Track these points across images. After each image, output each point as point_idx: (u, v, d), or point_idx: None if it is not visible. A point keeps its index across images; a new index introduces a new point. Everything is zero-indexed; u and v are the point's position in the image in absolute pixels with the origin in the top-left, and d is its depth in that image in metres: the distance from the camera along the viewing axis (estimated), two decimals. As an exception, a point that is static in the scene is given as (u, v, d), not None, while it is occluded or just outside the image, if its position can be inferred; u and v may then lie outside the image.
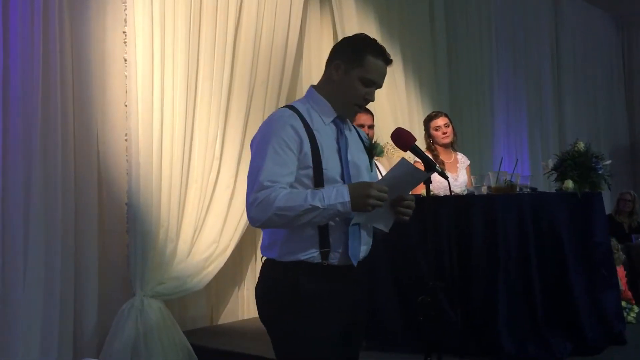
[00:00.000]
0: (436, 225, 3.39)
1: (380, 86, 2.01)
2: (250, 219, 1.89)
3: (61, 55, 3.30)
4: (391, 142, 2.08)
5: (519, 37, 7.10)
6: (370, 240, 2.04)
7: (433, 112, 4.53)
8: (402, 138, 2.01)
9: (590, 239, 3.63)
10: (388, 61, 2.00)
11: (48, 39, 3.26)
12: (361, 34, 2.08)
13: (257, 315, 2.06)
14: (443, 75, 5.83)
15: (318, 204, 1.80)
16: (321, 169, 1.90)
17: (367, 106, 4.44)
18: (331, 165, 1.92)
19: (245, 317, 4.44)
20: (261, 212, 1.84)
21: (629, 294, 4.40)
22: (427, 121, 4.36)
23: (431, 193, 2.03)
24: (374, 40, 2.01)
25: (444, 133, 4.25)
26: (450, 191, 2.29)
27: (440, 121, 4.27)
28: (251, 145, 1.99)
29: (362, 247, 1.97)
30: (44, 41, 3.24)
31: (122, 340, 3.30)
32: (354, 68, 1.95)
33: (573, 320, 3.37)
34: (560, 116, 7.71)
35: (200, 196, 3.84)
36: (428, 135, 4.32)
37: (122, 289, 3.53)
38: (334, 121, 2.00)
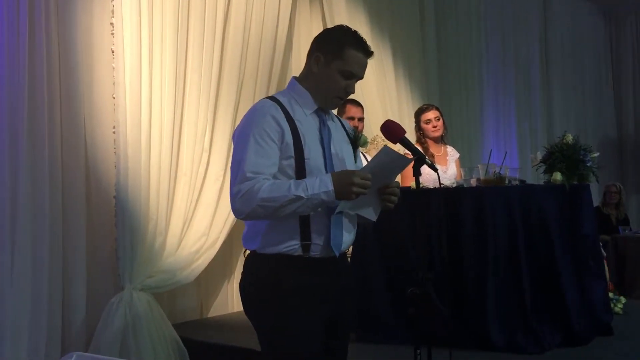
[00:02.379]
0: (426, 217, 3.40)
1: (361, 78, 2.01)
2: (234, 211, 1.89)
3: (47, 47, 3.26)
4: (381, 135, 2.08)
5: (508, 31, 7.11)
6: (354, 230, 2.04)
7: (424, 104, 4.52)
8: (391, 130, 2.01)
9: (578, 231, 3.66)
10: (368, 53, 1.99)
11: (34, 30, 3.21)
12: (342, 25, 2.07)
13: (245, 308, 2.06)
14: (432, 68, 5.83)
15: (302, 194, 1.80)
16: (303, 159, 1.90)
17: (357, 99, 4.48)
18: (314, 155, 1.92)
19: (235, 310, 4.43)
20: (245, 203, 1.83)
21: (611, 285, 4.45)
22: (418, 114, 4.36)
23: (421, 185, 2.03)
24: (355, 32, 2.00)
25: (435, 126, 4.25)
26: (440, 183, 2.29)
27: (431, 114, 4.27)
28: (233, 137, 1.99)
29: (346, 236, 1.97)
30: (29, 32, 3.20)
31: (110, 333, 3.29)
32: (333, 60, 1.95)
33: (561, 311, 3.40)
34: (549, 109, 7.75)
35: (189, 189, 3.82)
36: (418, 128, 4.32)
37: (110, 283, 3.51)
38: (315, 112, 2.00)
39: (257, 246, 1.94)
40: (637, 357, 3.11)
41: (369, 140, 4.31)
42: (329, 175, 1.84)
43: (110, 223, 3.49)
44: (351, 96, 4.11)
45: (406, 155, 2.05)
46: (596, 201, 6.01)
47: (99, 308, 3.42)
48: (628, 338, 3.54)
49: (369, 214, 1.98)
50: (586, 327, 3.44)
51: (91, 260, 3.47)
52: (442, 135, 4.32)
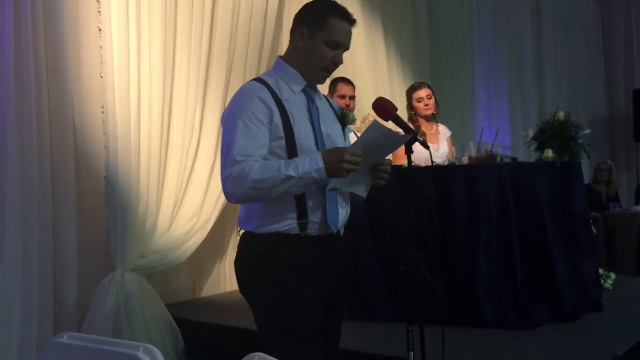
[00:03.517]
0: (418, 195, 3.39)
1: (347, 48, 1.99)
2: (226, 195, 1.88)
3: (33, 26, 3.19)
4: (373, 113, 2.06)
5: (499, 9, 7.07)
6: (348, 206, 2.04)
7: (416, 82, 4.49)
8: (383, 108, 2.00)
9: (569, 208, 3.67)
10: (351, 21, 1.98)
11: (19, 10, 3.15)
12: None
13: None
14: (424, 46, 5.79)
15: (292, 173, 1.79)
16: (293, 138, 1.88)
17: (349, 77, 4.43)
18: (304, 134, 1.91)
19: (228, 290, 4.44)
20: (236, 186, 1.82)
21: None
22: (410, 92, 4.33)
23: (413, 163, 2.02)
24: (335, 2, 1.98)
25: (426, 105, 4.23)
26: (432, 161, 2.28)
27: (423, 92, 4.24)
28: (221, 121, 1.97)
29: (341, 211, 1.97)
30: (14, 11, 3.13)
31: (103, 313, 3.28)
32: (318, 32, 1.93)
33: (552, 288, 3.42)
34: (540, 87, 7.75)
35: (180, 169, 3.79)
36: (410, 107, 4.30)
37: (102, 263, 3.49)
38: (304, 90, 1.98)
39: (253, 226, 1.94)
40: (626, 332, 3.14)
41: (357, 118, 4.29)
42: (319, 153, 1.83)
43: (100, 203, 3.46)
44: (343, 74, 4.13)
45: (397, 133, 2.03)
46: (587, 178, 6.04)
47: (90, 289, 3.41)
48: (618, 313, 3.58)
49: (359, 191, 1.98)
50: (577, 303, 3.47)
51: (82, 241, 3.45)
52: (433, 113, 4.30)
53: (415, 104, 4.25)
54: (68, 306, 3.35)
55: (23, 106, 3.16)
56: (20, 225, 3.14)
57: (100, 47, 3.41)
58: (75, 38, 3.41)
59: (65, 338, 1.49)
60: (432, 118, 4.33)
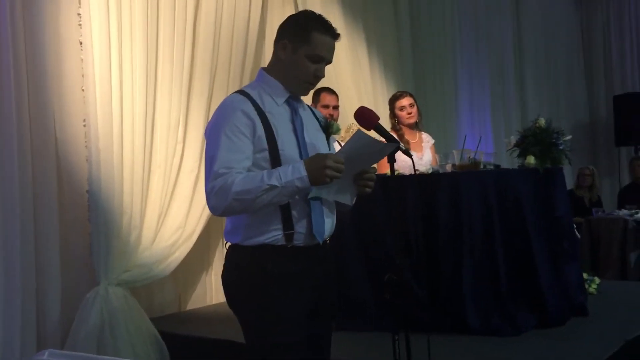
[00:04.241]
0: (402, 203, 3.40)
1: (330, 61, 1.99)
2: (210, 209, 1.87)
3: (13, 40, 3.16)
4: (356, 123, 2.07)
5: (481, 17, 7.14)
6: (334, 216, 2.03)
7: (398, 92, 4.53)
8: (365, 117, 2.01)
9: (552, 213, 3.70)
10: (335, 36, 1.98)
11: (-1, 22, 3.13)
12: (306, 10, 2.06)
13: (225, 300, 2.04)
14: (407, 55, 5.83)
15: (275, 183, 1.78)
16: (277, 150, 1.88)
17: (332, 87, 4.44)
18: (287, 145, 1.91)
19: (214, 303, 4.41)
20: (220, 199, 1.81)
21: None
22: (392, 101, 4.36)
23: (397, 172, 2.03)
24: (319, 16, 1.99)
25: (409, 113, 4.27)
26: (415, 170, 2.29)
27: (405, 101, 4.28)
28: (205, 134, 1.97)
29: (327, 221, 1.97)
30: (-6, 24, 3.11)
31: (87, 329, 3.24)
32: (301, 46, 1.93)
33: (536, 293, 3.44)
34: (522, 94, 7.82)
35: (163, 181, 3.77)
36: (393, 115, 4.33)
37: (85, 278, 3.45)
38: (287, 101, 1.98)
39: (239, 239, 1.93)
40: (611, 336, 3.16)
41: (342, 128, 4.31)
42: (302, 161, 1.83)
43: (83, 218, 3.43)
44: (326, 84, 4.15)
45: (382, 142, 2.04)
46: (569, 184, 6.09)
47: (74, 304, 3.37)
48: (602, 318, 3.60)
49: (345, 199, 1.98)
50: (561, 308, 3.49)
51: (65, 256, 3.41)
52: (416, 122, 4.34)
53: (398, 112, 4.28)
54: (51, 322, 3.31)
55: (4, 119, 3.13)
56: (2, 240, 3.09)
57: (82, 60, 3.39)
58: (56, 51, 3.39)
59: (46, 355, 1.46)
60: (415, 126, 4.36)
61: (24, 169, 3.21)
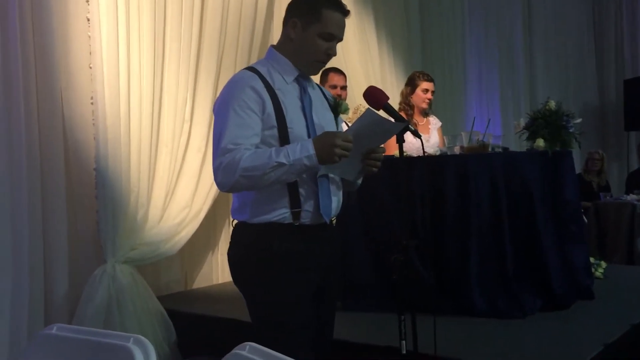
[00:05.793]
0: (409, 185, 3.39)
1: (341, 39, 1.97)
2: (217, 184, 1.87)
3: (20, 17, 3.15)
4: (364, 103, 2.06)
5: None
6: (341, 194, 2.03)
7: (426, 73, 4.37)
8: (374, 96, 1.99)
9: (560, 196, 3.68)
10: (345, 12, 1.96)
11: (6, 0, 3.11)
12: None
13: (231, 279, 2.04)
14: (416, 37, 5.78)
15: (284, 160, 1.77)
16: (286, 128, 1.87)
17: (340, 67, 4.40)
18: (296, 123, 1.90)
19: (220, 282, 4.44)
20: (227, 175, 1.81)
21: None
22: (419, 78, 4.24)
23: (404, 154, 2.02)
24: None
25: (429, 98, 4.26)
26: (424, 151, 2.28)
27: (431, 86, 4.25)
28: (213, 110, 1.96)
29: (333, 200, 1.96)
30: (1, 2, 3.09)
31: (94, 306, 3.27)
32: (311, 24, 1.91)
33: (543, 276, 3.44)
34: (532, 76, 7.76)
35: (170, 160, 3.77)
36: (411, 91, 4.24)
37: (93, 256, 3.47)
38: (296, 79, 1.96)
39: (247, 217, 1.93)
40: (617, 320, 3.16)
41: (350, 108, 4.29)
42: (310, 140, 1.82)
43: (90, 195, 3.44)
44: (334, 65, 4.11)
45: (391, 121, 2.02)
46: (578, 168, 6.06)
47: (81, 281, 3.39)
48: (608, 301, 3.60)
49: (351, 177, 1.97)
50: (567, 291, 3.49)
51: (72, 233, 3.43)
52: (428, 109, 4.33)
53: (419, 92, 4.24)
54: (59, 298, 3.33)
55: (11, 98, 3.13)
56: (10, 218, 3.11)
57: (89, 37, 3.37)
58: (63, 28, 3.37)
59: (55, 329, 1.48)
60: (424, 112, 4.34)
61: (31, 147, 3.21)
